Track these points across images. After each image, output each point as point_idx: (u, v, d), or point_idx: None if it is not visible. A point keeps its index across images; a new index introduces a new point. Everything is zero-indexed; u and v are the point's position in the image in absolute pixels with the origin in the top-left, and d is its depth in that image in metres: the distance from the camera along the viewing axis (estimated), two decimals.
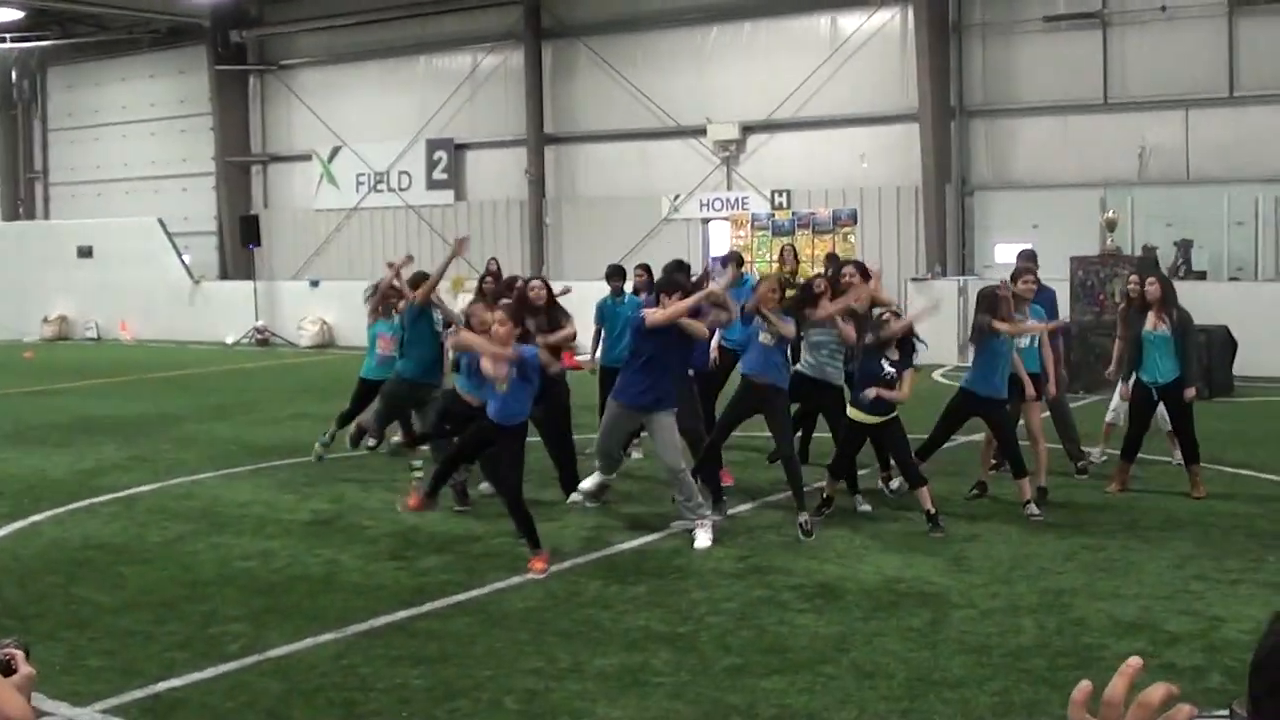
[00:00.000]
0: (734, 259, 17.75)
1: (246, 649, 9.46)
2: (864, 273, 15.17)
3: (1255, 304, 25.91)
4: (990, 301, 13.79)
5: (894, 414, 13.43)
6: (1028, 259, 16.81)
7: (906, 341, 13.35)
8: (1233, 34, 29.06)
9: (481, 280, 18.47)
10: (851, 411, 13.59)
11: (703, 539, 12.46)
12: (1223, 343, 23.46)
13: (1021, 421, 14.82)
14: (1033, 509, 13.54)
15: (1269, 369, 24.90)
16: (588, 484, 13.88)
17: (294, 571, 11.78)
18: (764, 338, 13.13)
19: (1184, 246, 28.63)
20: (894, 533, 13.08)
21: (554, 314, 14.82)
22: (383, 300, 17.04)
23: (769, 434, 13.98)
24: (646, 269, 18.19)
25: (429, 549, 12.48)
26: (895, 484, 14.42)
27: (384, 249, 41.45)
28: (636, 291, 17.58)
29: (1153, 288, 14.80)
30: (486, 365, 11.60)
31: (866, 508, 14.07)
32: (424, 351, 15.31)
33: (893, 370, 13.25)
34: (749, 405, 13.46)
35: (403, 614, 10.29)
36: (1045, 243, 28.01)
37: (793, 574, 11.39)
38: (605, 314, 16.84)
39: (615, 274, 17.65)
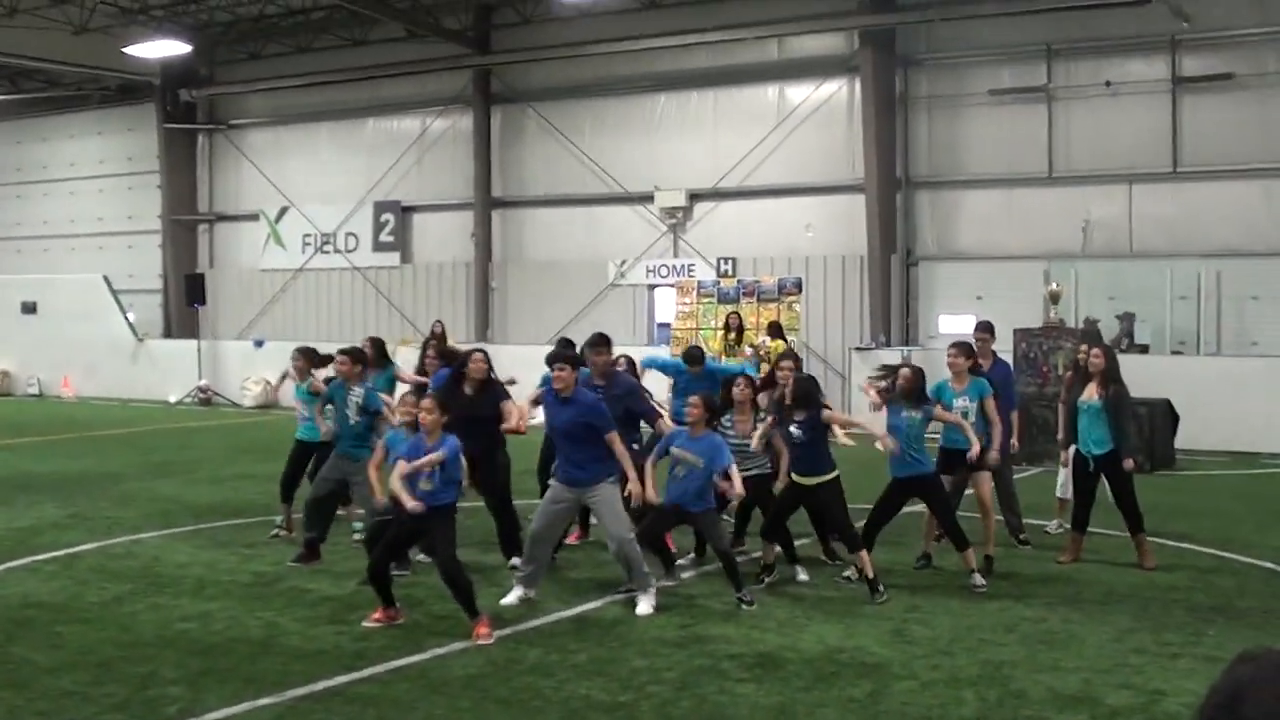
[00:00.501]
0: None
1: (184, 712, 9.36)
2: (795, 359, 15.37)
3: (1197, 378, 26.14)
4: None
5: (831, 476, 13.45)
6: (983, 329, 16.91)
7: (811, 402, 13.43)
8: (1176, 110, 29.45)
9: (426, 344, 18.53)
10: (794, 476, 13.64)
11: (645, 605, 12.45)
12: (1164, 416, 23.63)
13: (970, 491, 14.94)
14: (976, 580, 13.58)
15: (1211, 443, 25.13)
16: (510, 599, 13.43)
17: (233, 633, 11.68)
18: (678, 469, 13.10)
19: (1127, 319, 28.90)
20: (835, 602, 13.09)
21: (492, 390, 14.79)
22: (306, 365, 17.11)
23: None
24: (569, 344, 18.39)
25: (370, 611, 12.40)
26: (849, 572, 14.31)
27: (329, 310, 41.45)
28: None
29: (1097, 359, 14.97)
30: (402, 469, 11.64)
31: (804, 577, 14.10)
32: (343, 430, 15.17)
33: (799, 431, 13.34)
34: (672, 520, 13.44)
35: (342, 679, 10.21)
36: (989, 314, 28.16)
37: (733, 643, 11.37)
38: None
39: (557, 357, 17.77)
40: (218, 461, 24.57)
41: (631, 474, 12.70)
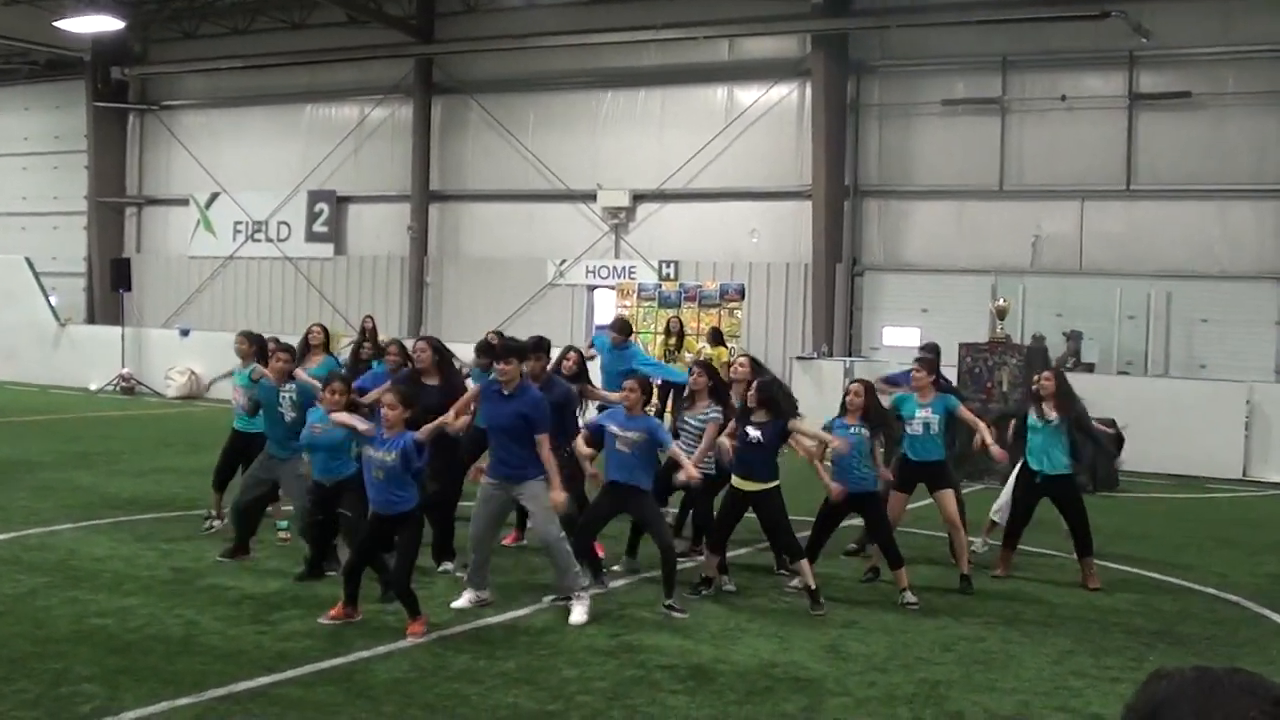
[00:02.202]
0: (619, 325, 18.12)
1: (99, 711, 9.30)
2: (757, 366, 15.38)
3: (1144, 399, 26.26)
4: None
5: (774, 483, 13.50)
6: (928, 352, 17.02)
7: (772, 403, 13.50)
8: (1132, 127, 29.72)
9: (359, 344, 18.57)
10: (734, 479, 13.69)
11: (579, 613, 12.43)
12: (1109, 437, 23.65)
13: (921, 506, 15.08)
14: (909, 597, 13.66)
15: (1155, 464, 25.28)
16: (461, 602, 13.39)
17: (152, 631, 11.61)
18: (619, 445, 13.12)
19: (1074, 338, 29.12)
20: (770, 614, 13.13)
21: (450, 377, 14.93)
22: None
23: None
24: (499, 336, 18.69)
25: (293, 613, 12.35)
26: (796, 582, 14.31)
27: (259, 300, 41.27)
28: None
29: (1048, 382, 15.13)
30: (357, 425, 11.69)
31: (731, 587, 14.17)
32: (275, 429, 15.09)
33: (758, 433, 13.40)
34: (611, 507, 13.45)
35: (264, 680, 10.17)
36: (934, 327, 28.51)
37: (666, 654, 11.39)
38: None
39: (485, 350, 17.82)
40: (139, 453, 24.41)
41: (555, 479, 12.64)
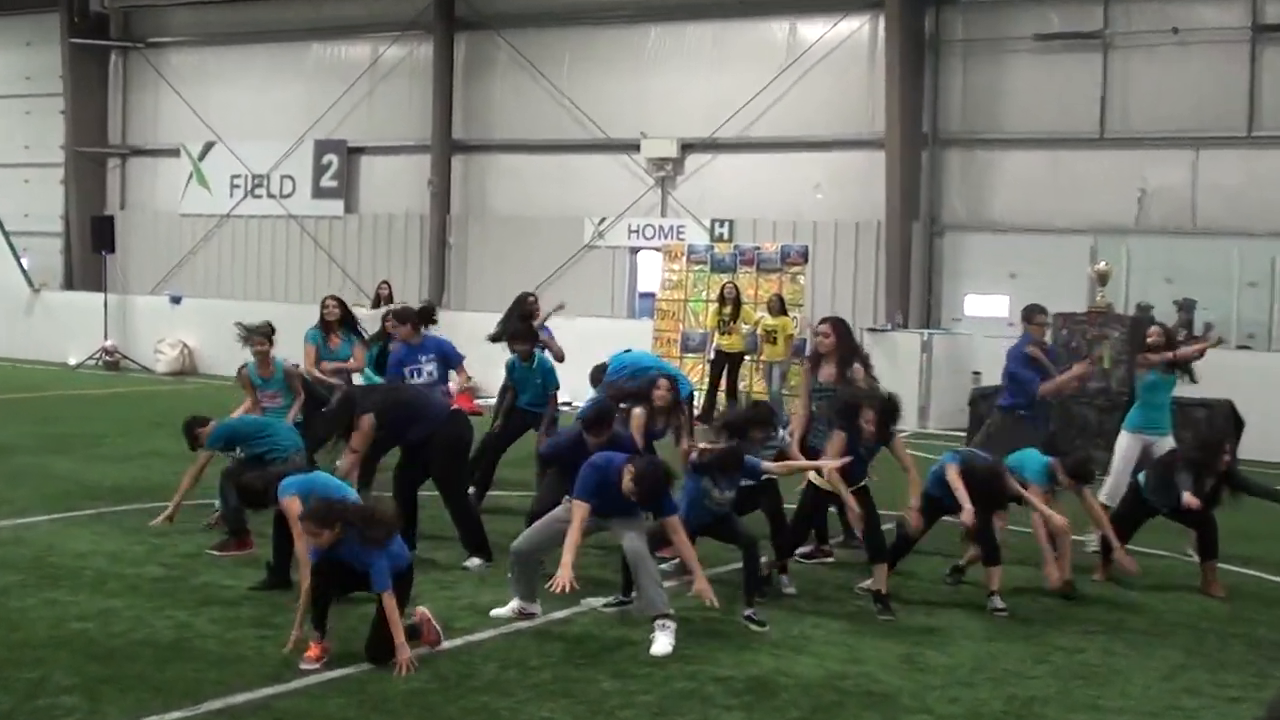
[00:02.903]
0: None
1: None
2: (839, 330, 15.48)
3: (1267, 377, 25.97)
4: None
5: (862, 483, 13.55)
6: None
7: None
8: (1255, 63, 29.38)
9: (385, 311, 18.97)
10: (814, 478, 13.73)
11: (662, 643, 11.88)
12: (1226, 419, 23.26)
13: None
14: (997, 602, 13.58)
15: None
16: (503, 611, 13.33)
17: (138, 636, 11.62)
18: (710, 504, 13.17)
19: (1186, 307, 28.77)
20: (838, 621, 13.08)
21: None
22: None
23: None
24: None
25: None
26: (867, 582, 14.31)
27: (260, 264, 41.38)
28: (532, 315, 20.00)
29: (1154, 337, 15.34)
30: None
31: (791, 589, 14.13)
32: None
33: (785, 435, 13.56)
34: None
35: (266, 691, 10.16)
36: (1024, 295, 28.21)
37: (720, 664, 11.36)
38: (515, 376, 18.12)
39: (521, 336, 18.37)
40: (125, 435, 24.50)
41: (696, 569, 12.55)
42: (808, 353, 15.32)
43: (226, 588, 13.43)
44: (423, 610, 11.67)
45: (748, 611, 12.81)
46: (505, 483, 18.77)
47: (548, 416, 18.02)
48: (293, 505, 12.03)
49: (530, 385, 17.96)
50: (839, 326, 15.69)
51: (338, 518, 10.92)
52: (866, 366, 15.60)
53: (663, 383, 15.30)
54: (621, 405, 15.08)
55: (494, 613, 12.75)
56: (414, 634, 11.35)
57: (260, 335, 17.27)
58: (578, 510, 12.13)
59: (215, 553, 14.84)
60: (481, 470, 17.59)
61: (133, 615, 12.29)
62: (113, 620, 12.11)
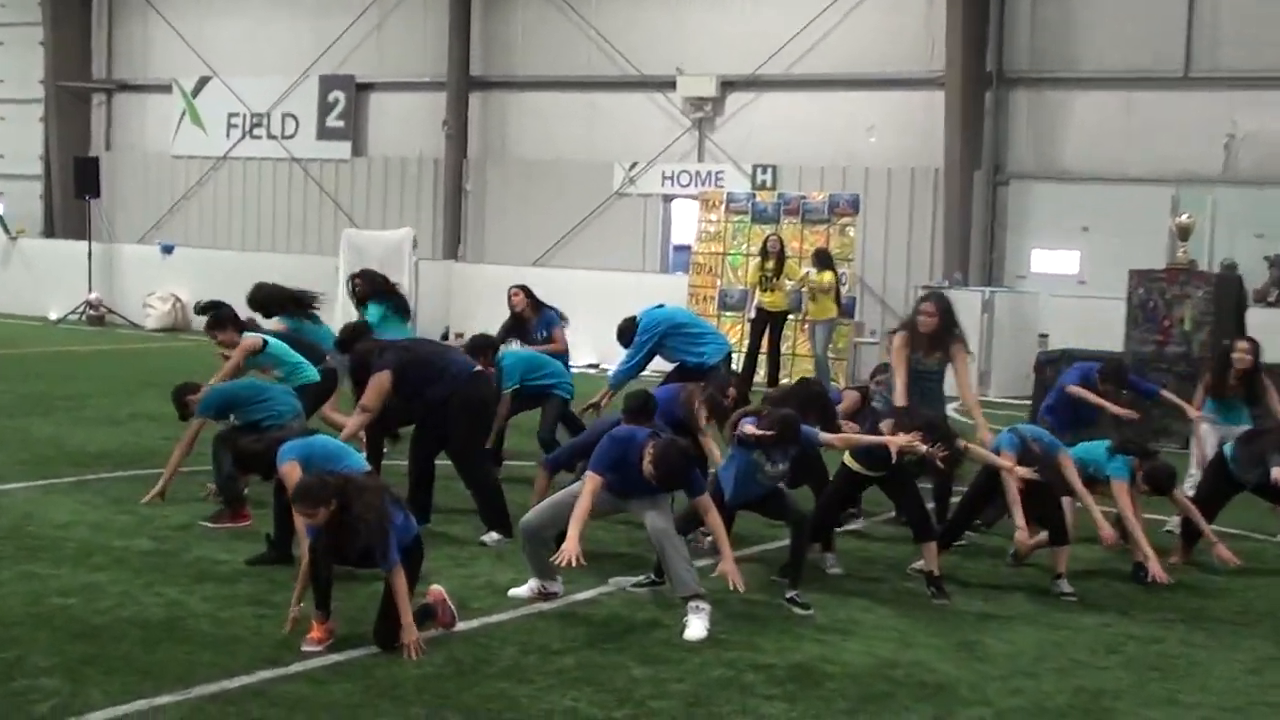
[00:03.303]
0: None
1: (61, 710, 9.34)
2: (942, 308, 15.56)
3: None
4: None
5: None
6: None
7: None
8: None
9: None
10: (849, 459, 13.73)
11: (696, 627, 11.87)
12: None
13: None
14: (1064, 585, 13.56)
15: None
16: (521, 590, 13.33)
17: (125, 614, 11.66)
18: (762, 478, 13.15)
19: (1277, 264, 28.60)
20: (888, 604, 13.08)
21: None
22: None
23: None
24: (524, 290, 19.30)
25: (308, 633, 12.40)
26: (920, 563, 14.30)
27: (259, 211, 41.41)
28: (521, 315, 19.47)
29: (1245, 357, 15.45)
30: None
31: (837, 570, 14.13)
32: None
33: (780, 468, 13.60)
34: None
35: (264, 674, 10.19)
36: (1098, 250, 28.25)
37: (761, 651, 11.37)
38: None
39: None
40: (111, 396, 24.57)
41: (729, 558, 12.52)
42: (890, 332, 15.18)
43: (221, 563, 13.46)
44: (437, 589, 11.68)
45: (791, 593, 12.80)
46: (524, 453, 18.79)
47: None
48: (292, 472, 12.05)
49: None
50: (941, 304, 15.67)
51: (331, 494, 10.93)
52: (965, 346, 15.60)
53: (700, 403, 15.27)
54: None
55: (512, 593, 12.76)
56: (427, 615, 11.37)
57: (219, 328, 17.32)
58: (590, 481, 12.13)
59: (209, 525, 14.87)
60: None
61: (119, 591, 12.33)
62: (97, 596, 12.14)
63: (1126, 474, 14.14)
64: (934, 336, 15.31)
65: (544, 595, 12.70)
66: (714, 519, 12.32)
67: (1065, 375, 17.22)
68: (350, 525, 10.85)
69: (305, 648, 10.78)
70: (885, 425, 13.67)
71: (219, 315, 17.11)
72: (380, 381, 14.49)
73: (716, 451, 14.80)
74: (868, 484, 14.04)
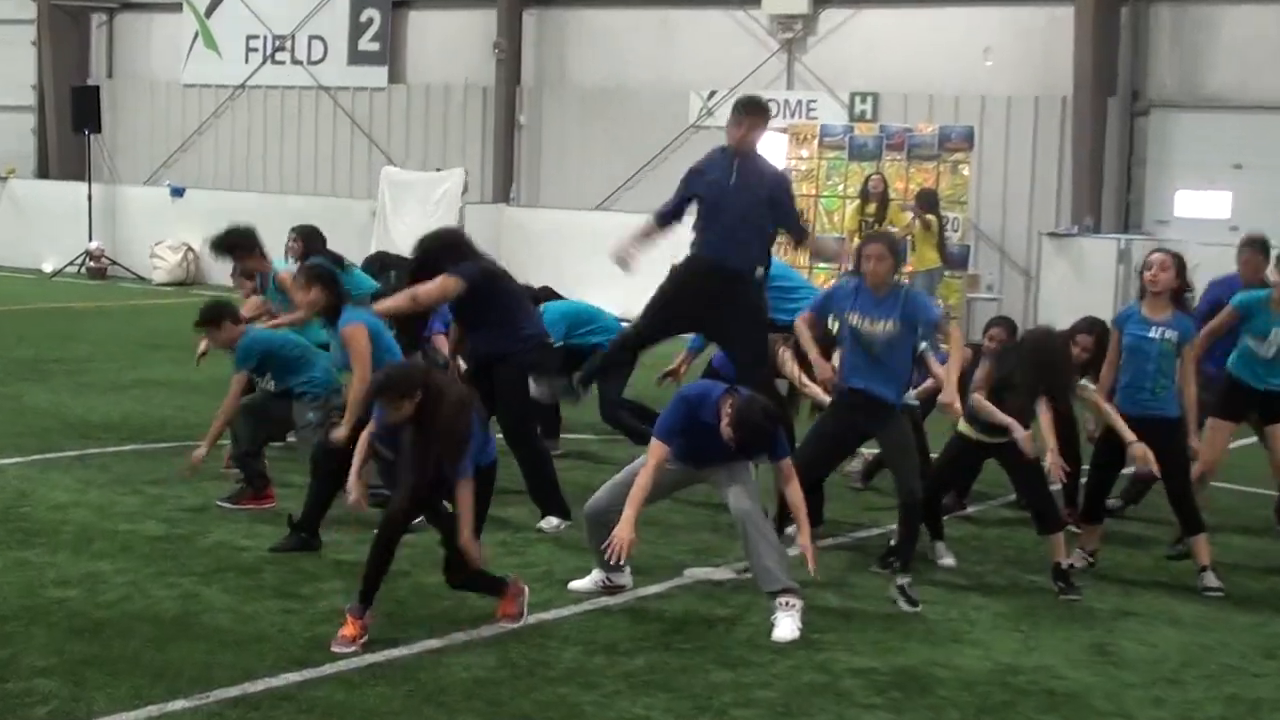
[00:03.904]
0: None
1: (57, 715, 9.42)
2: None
3: None
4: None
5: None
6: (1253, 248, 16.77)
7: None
8: None
9: None
10: (965, 426, 13.66)
11: (785, 626, 11.85)
12: None
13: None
14: (1210, 579, 13.51)
15: None
16: (584, 583, 13.33)
17: (133, 608, 11.74)
18: (864, 339, 13.10)
19: None
20: (1008, 600, 13.08)
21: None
22: None
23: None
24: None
25: (335, 584, 12.45)
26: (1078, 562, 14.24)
27: (283, 146, 41.45)
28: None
29: None
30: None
31: (949, 560, 14.08)
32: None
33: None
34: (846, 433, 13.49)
35: (293, 677, 10.25)
36: (1253, 192, 28.01)
37: (859, 653, 11.40)
38: None
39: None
40: (115, 360, 24.72)
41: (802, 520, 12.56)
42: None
43: (242, 549, 13.55)
44: (518, 579, 11.76)
45: (902, 580, 12.76)
46: (582, 424, 18.83)
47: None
48: (359, 334, 12.16)
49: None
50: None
51: (418, 386, 11.07)
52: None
53: (787, 351, 15.26)
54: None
55: (573, 585, 12.78)
56: (494, 586, 11.54)
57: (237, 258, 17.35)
58: (654, 452, 12.11)
59: (227, 505, 14.94)
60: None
61: (125, 582, 12.42)
62: (100, 588, 12.24)
63: None
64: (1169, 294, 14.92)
65: (610, 589, 12.72)
66: (794, 488, 12.27)
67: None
68: (427, 427, 10.98)
69: (335, 647, 10.84)
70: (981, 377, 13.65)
71: (245, 238, 17.10)
72: (447, 284, 14.50)
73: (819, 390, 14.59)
74: (984, 455, 14.00)
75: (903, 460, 13.21)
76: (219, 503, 15.02)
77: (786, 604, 11.83)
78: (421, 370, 11.40)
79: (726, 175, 14.70)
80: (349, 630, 11.02)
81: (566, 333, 17.64)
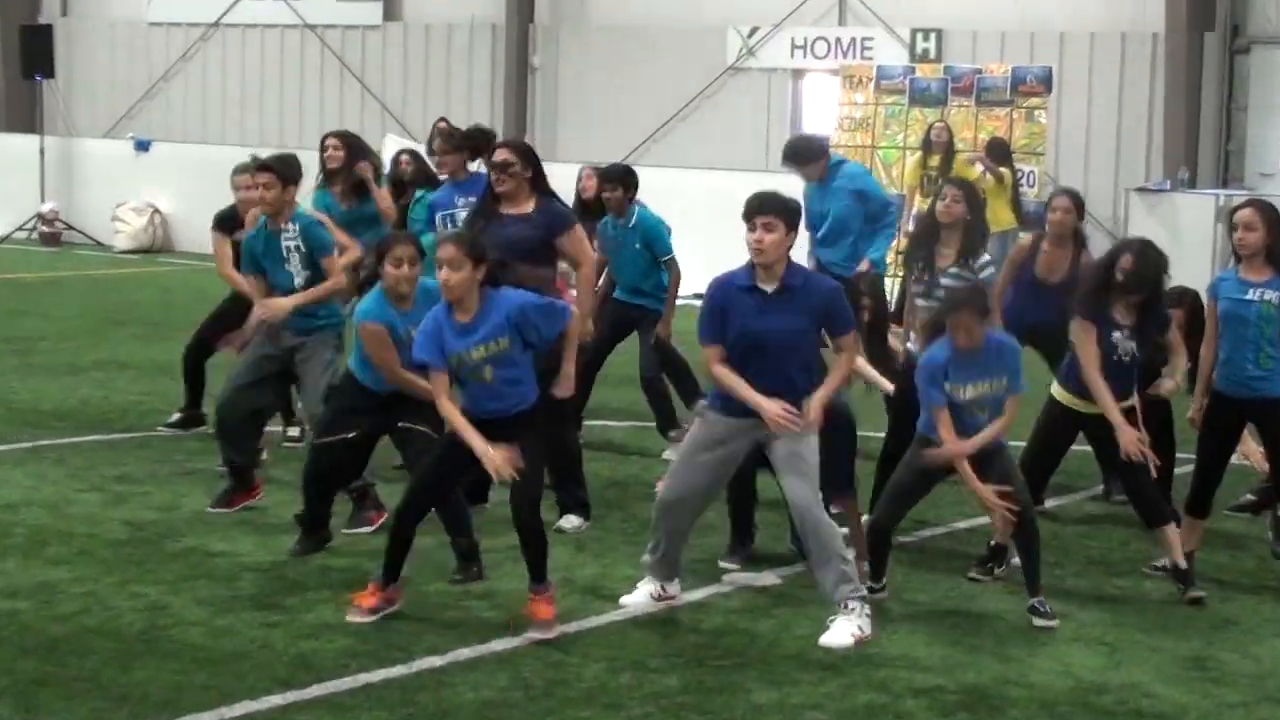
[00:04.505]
0: None
1: None
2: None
3: None
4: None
5: (1129, 401, 13.38)
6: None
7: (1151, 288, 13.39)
8: None
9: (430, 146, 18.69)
10: (1058, 391, 13.62)
11: (840, 631, 11.86)
12: None
13: None
14: None
15: None
16: (636, 597, 13.40)
17: (92, 621, 11.76)
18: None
19: None
20: (1090, 608, 13.06)
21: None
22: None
23: None
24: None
25: (323, 594, 12.47)
26: (1162, 561, 14.19)
27: (263, 92, 41.48)
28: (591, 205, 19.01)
29: None
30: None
31: (1016, 560, 14.03)
32: None
33: (1129, 343, 13.31)
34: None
35: (275, 700, 10.27)
36: None
37: (922, 668, 11.39)
38: (608, 246, 18.06)
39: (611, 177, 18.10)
40: (72, 338, 24.73)
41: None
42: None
43: (218, 555, 13.56)
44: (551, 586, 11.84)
45: (1033, 600, 12.68)
46: (607, 410, 18.84)
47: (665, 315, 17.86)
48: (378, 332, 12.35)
49: (628, 257, 17.99)
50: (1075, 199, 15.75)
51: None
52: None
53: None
54: None
55: (625, 600, 12.71)
56: (540, 556, 11.82)
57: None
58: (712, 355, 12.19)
59: (220, 510, 14.87)
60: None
61: (84, 593, 12.44)
62: (56, 599, 12.26)
63: None
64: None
65: (663, 599, 12.69)
66: (845, 362, 12.38)
67: None
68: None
69: (351, 617, 10.95)
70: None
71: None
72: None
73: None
74: (1075, 428, 13.90)
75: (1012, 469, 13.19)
76: (211, 509, 14.94)
77: (847, 605, 11.83)
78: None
79: None
80: (367, 598, 11.16)
81: None
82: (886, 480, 13.52)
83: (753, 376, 11.85)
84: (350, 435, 13.27)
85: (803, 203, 16.00)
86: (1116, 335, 13.24)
